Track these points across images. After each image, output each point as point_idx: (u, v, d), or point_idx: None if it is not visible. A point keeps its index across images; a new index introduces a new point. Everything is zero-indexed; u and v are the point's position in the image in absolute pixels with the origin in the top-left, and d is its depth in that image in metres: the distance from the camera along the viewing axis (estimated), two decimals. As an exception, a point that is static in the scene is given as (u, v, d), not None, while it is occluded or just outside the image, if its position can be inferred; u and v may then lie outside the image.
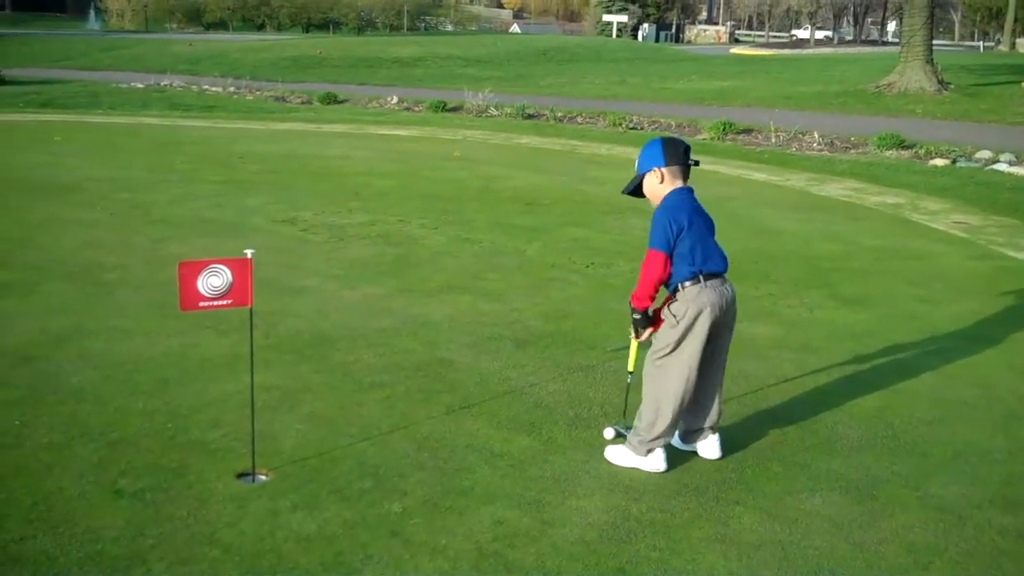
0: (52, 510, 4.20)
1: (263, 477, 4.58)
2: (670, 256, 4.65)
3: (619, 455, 4.89)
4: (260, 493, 4.44)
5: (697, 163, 4.84)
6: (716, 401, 4.92)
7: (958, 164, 16.55)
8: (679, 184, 4.77)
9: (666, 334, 4.74)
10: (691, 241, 4.65)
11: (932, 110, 24.28)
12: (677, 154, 4.78)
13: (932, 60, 27.49)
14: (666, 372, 4.75)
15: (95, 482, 4.46)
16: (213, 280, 4.30)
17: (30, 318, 6.79)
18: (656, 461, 4.78)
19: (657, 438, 4.76)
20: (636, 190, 4.90)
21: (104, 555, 3.88)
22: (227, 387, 5.65)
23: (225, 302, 4.35)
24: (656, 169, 4.76)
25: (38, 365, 5.92)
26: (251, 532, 4.09)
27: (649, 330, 4.87)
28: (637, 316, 4.80)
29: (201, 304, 4.31)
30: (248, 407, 4.77)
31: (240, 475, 4.58)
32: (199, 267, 4.29)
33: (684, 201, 4.72)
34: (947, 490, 4.72)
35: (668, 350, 4.73)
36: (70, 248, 8.91)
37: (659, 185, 4.77)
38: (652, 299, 4.75)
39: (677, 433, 4.99)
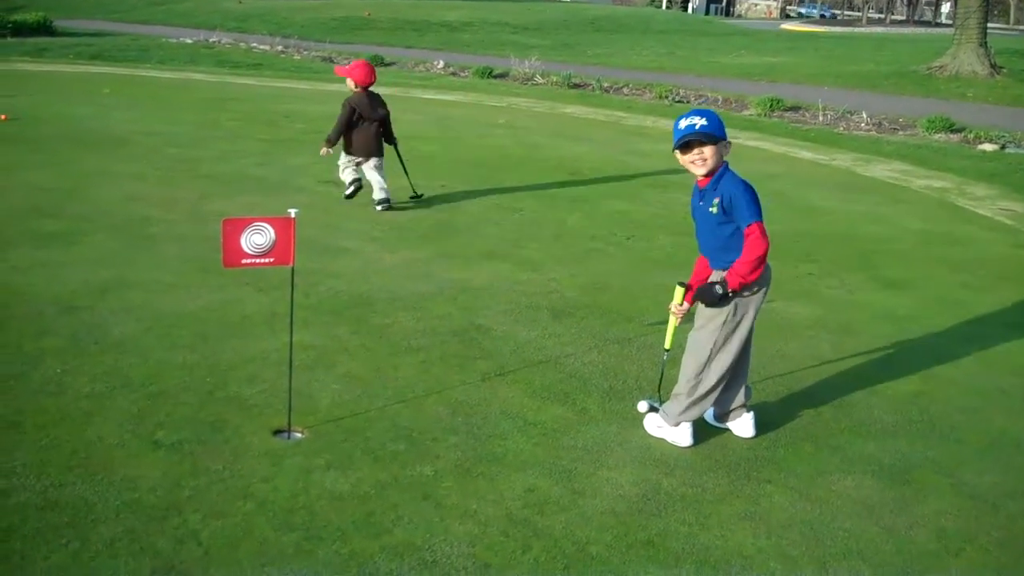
0: (91, 458, 4.28)
1: (298, 435, 4.64)
2: None
3: (651, 423, 4.92)
4: (295, 450, 4.49)
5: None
6: (745, 380, 4.93)
7: (1007, 150, 16.32)
8: None
9: (727, 310, 4.69)
10: None
11: (983, 94, 23.91)
12: None
13: (986, 43, 27.02)
14: (719, 347, 4.73)
15: (134, 432, 4.54)
16: (256, 238, 4.34)
17: (75, 268, 6.88)
18: (684, 435, 4.79)
19: (690, 409, 4.77)
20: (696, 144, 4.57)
21: (141, 504, 3.95)
22: (265, 344, 5.71)
23: (267, 260, 4.39)
24: (730, 142, 4.67)
25: (81, 315, 6.00)
26: (285, 488, 4.15)
27: (686, 305, 4.88)
28: (730, 295, 4.58)
29: (244, 261, 4.35)
30: (286, 365, 4.82)
31: (276, 432, 4.64)
32: (243, 224, 4.33)
33: None
34: (981, 478, 4.69)
35: (730, 326, 4.71)
36: (117, 200, 9.00)
37: (724, 157, 4.62)
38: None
39: (712, 412, 5.00)
